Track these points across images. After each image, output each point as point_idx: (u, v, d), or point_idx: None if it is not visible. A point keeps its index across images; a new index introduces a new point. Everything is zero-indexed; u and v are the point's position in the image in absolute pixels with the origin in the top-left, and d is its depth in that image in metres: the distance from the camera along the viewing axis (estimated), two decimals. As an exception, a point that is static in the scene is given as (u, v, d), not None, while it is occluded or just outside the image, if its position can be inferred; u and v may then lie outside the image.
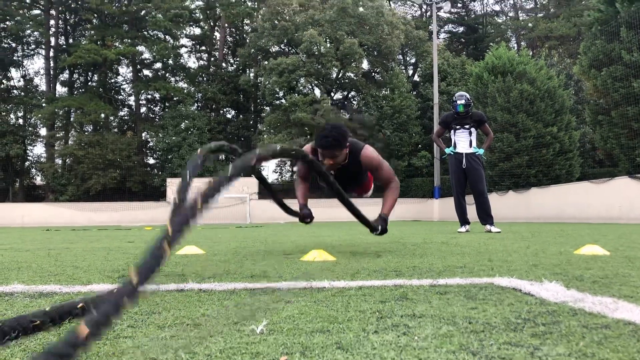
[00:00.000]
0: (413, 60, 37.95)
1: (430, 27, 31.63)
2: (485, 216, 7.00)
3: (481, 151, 7.17)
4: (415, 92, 31.58)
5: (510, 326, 1.19)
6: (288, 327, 1.23)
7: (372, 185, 4.25)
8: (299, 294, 1.75)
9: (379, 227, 3.33)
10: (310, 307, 1.47)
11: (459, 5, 40.50)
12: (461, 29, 40.99)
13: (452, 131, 7.26)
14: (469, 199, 7.31)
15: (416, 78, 36.17)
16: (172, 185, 23.71)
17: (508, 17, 40.07)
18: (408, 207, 23.48)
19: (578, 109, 22.25)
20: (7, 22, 31.38)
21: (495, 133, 9.12)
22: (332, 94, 33.49)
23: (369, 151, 3.50)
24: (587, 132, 21.03)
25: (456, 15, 40.49)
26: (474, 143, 7.20)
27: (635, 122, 13.94)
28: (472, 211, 7.29)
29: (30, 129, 32.00)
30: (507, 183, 18.26)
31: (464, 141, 7.18)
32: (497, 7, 41.37)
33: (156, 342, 1.12)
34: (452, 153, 7.23)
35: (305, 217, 3.56)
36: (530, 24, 36.71)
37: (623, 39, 14.05)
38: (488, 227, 6.93)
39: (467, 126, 7.15)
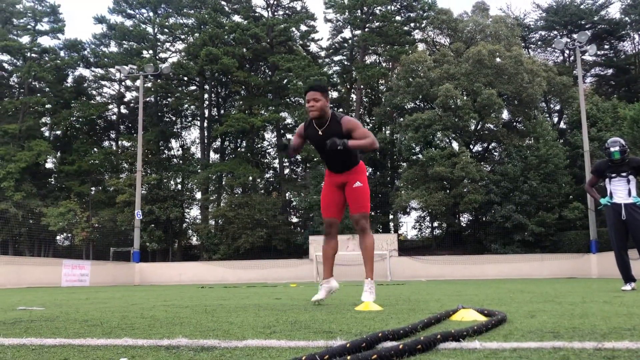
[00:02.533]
0: (558, 107, 36.07)
1: (574, 71, 30.02)
2: (654, 273, 6.29)
3: (643, 200, 6.52)
4: (562, 140, 29.84)
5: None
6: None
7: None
8: (449, 354, 1.70)
9: (336, 142, 4.04)
10: (463, 368, 1.43)
11: (606, 47, 38.06)
12: (610, 71, 38.34)
13: (607, 180, 6.72)
14: (632, 254, 6.62)
15: (562, 125, 34.26)
16: (315, 243, 24.38)
17: (664, 54, 36.81)
18: (561, 263, 21.75)
19: None
20: (169, 99, 35.34)
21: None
22: (472, 146, 32.74)
23: (349, 117, 4.37)
24: None
25: (603, 58, 38.02)
26: (634, 192, 6.58)
27: None
28: (636, 267, 6.59)
29: (187, 193, 35.14)
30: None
31: (621, 190, 6.60)
32: (650, 45, 38.22)
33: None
34: (608, 204, 6.66)
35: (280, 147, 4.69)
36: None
37: None
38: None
39: (624, 174, 6.59)
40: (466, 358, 1.61)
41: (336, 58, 38.77)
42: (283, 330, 2.56)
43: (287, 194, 34.60)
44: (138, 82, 29.25)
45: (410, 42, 34.75)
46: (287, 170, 37.14)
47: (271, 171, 37.57)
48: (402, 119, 30.79)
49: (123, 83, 36.91)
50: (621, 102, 29.01)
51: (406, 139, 29.70)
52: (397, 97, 30.56)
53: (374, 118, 35.62)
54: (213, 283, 18.68)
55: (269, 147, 38.18)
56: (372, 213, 35.58)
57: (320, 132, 4.34)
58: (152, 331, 2.64)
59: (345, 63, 37.78)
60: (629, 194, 6.55)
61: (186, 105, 36.53)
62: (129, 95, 37.81)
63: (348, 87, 37.67)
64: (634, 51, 38.06)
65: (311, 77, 30.75)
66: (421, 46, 35.71)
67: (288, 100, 34.71)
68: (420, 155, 29.94)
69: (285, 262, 24.37)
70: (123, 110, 37.85)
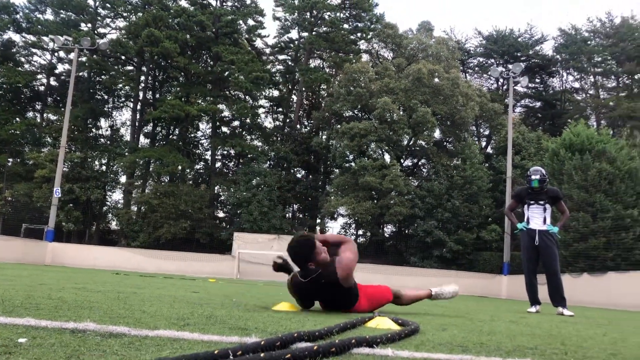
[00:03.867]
0: (487, 132, 37.62)
1: (506, 100, 31.44)
2: (558, 298, 6.66)
3: (556, 229, 6.88)
4: (487, 164, 31.12)
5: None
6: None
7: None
8: (362, 359, 1.72)
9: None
10: (374, 374, 1.44)
11: (537, 80, 40.14)
12: (538, 103, 40.44)
13: (526, 206, 7.05)
14: (541, 279, 6.98)
15: (489, 150, 35.73)
16: (239, 240, 24.13)
17: (588, 95, 39.22)
18: (475, 282, 22.65)
19: (662, 193, 21.08)
20: (103, 76, 33.98)
21: (570, 212, 8.79)
22: (402, 160, 33.54)
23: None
24: (672, 217, 19.84)
25: (533, 90, 40.08)
26: (548, 220, 6.94)
27: None
28: (543, 291, 6.95)
29: (111, 175, 33.85)
30: (581, 265, 17.36)
31: (537, 217, 6.94)
32: (576, 84, 40.65)
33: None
34: (524, 229, 6.99)
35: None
36: (611, 103, 35.72)
37: None
38: (560, 309, 6.57)
39: (541, 202, 6.93)
40: (378, 364, 1.62)
41: (281, 57, 38.72)
42: (197, 324, 2.51)
43: (216, 188, 34.10)
44: (72, 55, 27.90)
45: (355, 52, 35.22)
46: (218, 164, 36.60)
47: (202, 163, 36.89)
48: (339, 126, 31.12)
49: (56, 54, 35.15)
50: (545, 135, 30.64)
51: (341, 146, 30.04)
52: (336, 104, 30.87)
53: (312, 121, 35.79)
54: (129, 270, 18.07)
55: (203, 137, 37.51)
56: (300, 215, 35.72)
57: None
58: (58, 313, 2.51)
59: (290, 63, 37.77)
60: (544, 221, 6.90)
61: (120, 85, 35.24)
62: (60, 67, 36.00)
63: (290, 87, 37.67)
64: (561, 88, 40.35)
65: (253, 73, 30.50)
66: (365, 57, 36.30)
67: (227, 92, 34.23)
68: (353, 164, 30.36)
69: (206, 256, 23.98)
70: (52, 82, 36.00)
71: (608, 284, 14.58)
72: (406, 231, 32.04)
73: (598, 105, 36.76)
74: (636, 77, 36.23)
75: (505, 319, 4.75)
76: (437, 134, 33.72)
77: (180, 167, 32.39)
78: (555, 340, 2.87)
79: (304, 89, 36.16)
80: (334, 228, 36.09)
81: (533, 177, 6.90)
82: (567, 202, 16.38)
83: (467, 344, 2.38)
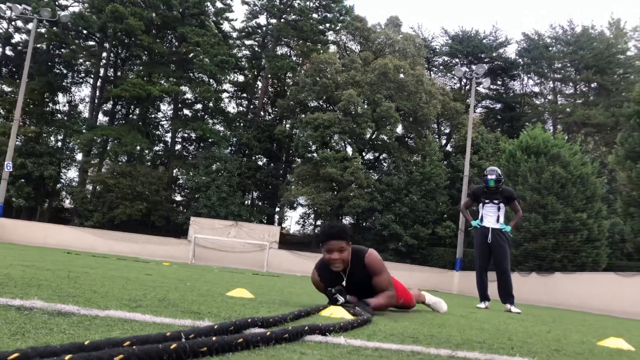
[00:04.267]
0: (447, 131, 38.24)
1: (468, 100, 31.97)
2: (507, 295, 6.85)
3: (508, 228, 7.07)
4: (446, 162, 31.65)
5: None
6: (303, 377, 1.21)
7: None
8: (315, 347, 1.73)
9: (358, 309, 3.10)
10: (326, 361, 1.46)
11: (499, 82, 40.97)
12: (498, 105, 41.30)
13: (481, 205, 7.20)
14: (491, 276, 7.17)
15: (449, 148, 36.34)
16: (195, 225, 23.87)
17: (546, 100, 40.29)
18: (428, 276, 23.07)
19: (610, 199, 21.92)
20: (63, 50, 32.86)
21: (523, 212, 9.02)
22: (364, 153, 33.78)
23: (374, 254, 3.62)
24: (617, 222, 20.62)
25: (494, 92, 40.90)
26: (502, 219, 7.12)
27: (669, 218, 13.65)
28: (492, 288, 7.13)
29: (67, 152, 32.86)
30: (530, 264, 17.89)
31: (491, 216, 7.11)
32: (536, 89, 41.70)
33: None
34: (478, 226, 7.14)
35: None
36: (568, 109, 36.80)
37: (662, 134, 13.97)
38: (508, 306, 6.76)
39: (496, 201, 7.10)
40: (330, 352, 1.64)
41: (247, 42, 38.26)
42: (149, 306, 2.48)
43: (174, 171, 33.57)
44: (30, 26, 26.89)
45: (323, 42, 35.14)
46: (178, 147, 36.01)
47: (161, 144, 36.20)
48: (303, 116, 31.07)
49: (13, 23, 33.77)
50: (503, 136, 31.36)
51: (304, 136, 30.02)
52: (302, 93, 30.80)
53: (276, 109, 35.61)
54: (81, 250, 17.65)
55: (163, 119, 36.81)
56: (259, 203, 35.59)
57: (344, 283, 3.55)
58: (4, 290, 2.44)
59: (256, 49, 37.39)
60: (498, 220, 7.07)
61: (81, 60, 34.18)
62: (17, 37, 34.58)
63: (255, 73, 37.31)
64: (521, 91, 41.31)
65: (219, 56, 30.06)
66: (332, 48, 36.28)
67: (191, 74, 33.63)
68: (315, 154, 30.39)
69: (161, 239, 23.65)
70: (8, 52, 34.58)
71: (554, 284, 15.10)
72: (364, 224, 32.35)
73: (555, 110, 37.81)
74: (592, 85, 37.40)
75: (455, 313, 4.86)
76: (399, 129, 34.08)
77: (138, 148, 31.69)
78: (503, 335, 2.96)
79: (269, 76, 35.89)
80: (292, 217, 36.13)
81: (489, 176, 7.05)
82: (521, 202, 16.86)
83: (417, 335, 2.42)
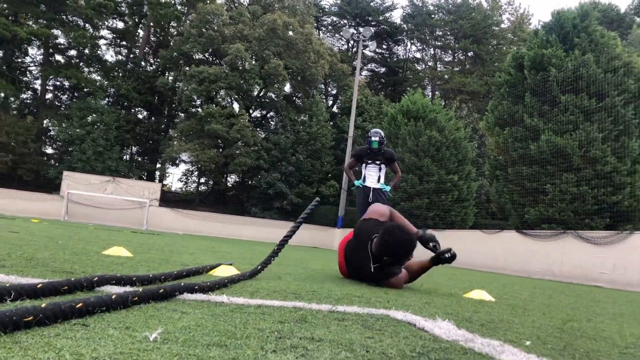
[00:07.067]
0: (334, 92, 38.79)
1: (354, 62, 32.56)
2: (384, 251, 7.19)
3: (388, 188, 7.38)
4: (332, 123, 32.19)
5: (406, 358, 1.21)
6: (184, 337, 1.18)
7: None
8: (196, 305, 1.69)
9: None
10: (208, 321, 1.43)
11: (384, 47, 42.06)
12: (383, 69, 42.52)
13: (364, 165, 7.44)
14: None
15: (335, 109, 36.93)
16: (68, 179, 22.42)
17: (427, 66, 42.12)
18: (311, 233, 23.66)
19: (479, 162, 23.64)
20: None
21: (401, 173, 9.48)
22: (251, 111, 33.39)
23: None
24: (484, 184, 22.37)
25: (380, 56, 42.00)
26: (382, 179, 7.41)
27: (528, 181, 15.00)
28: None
29: None
30: (406, 222, 18.92)
31: (373, 176, 7.37)
32: (418, 55, 43.40)
33: (39, 339, 1.03)
34: (360, 186, 7.39)
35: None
36: (446, 76, 38.78)
37: (526, 104, 15.18)
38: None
39: (378, 162, 7.36)
40: (212, 310, 1.61)
41: (129, -14, 35.74)
42: (15, 265, 2.28)
43: (45, 121, 31.04)
44: None
45: (210, -8, 33.77)
46: (49, 95, 33.22)
47: (30, 92, 33.19)
48: (188, 68, 29.89)
49: None
50: (386, 100, 32.43)
51: (189, 89, 28.97)
52: (186, 45, 29.54)
53: (158, 60, 33.87)
54: None
55: (32, 64, 33.66)
56: (139, 159, 34.13)
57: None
58: None
59: (138, -6, 35.08)
60: (379, 180, 7.36)
61: None
62: None
63: (136, 20, 35.10)
64: (404, 56, 42.79)
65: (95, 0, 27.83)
66: (220, -1, 35.00)
67: (64, 17, 30.88)
68: (199, 109, 29.53)
69: (30, 194, 21.95)
70: None
71: (427, 241, 16.07)
72: (249, 182, 32.25)
73: (434, 76, 39.72)
74: (469, 54, 39.62)
75: (335, 268, 5.02)
76: (287, 87, 34.00)
77: (2, 95, 28.82)
78: (380, 290, 3.10)
79: (151, 24, 33.97)
80: (174, 174, 35.11)
81: (373, 138, 7.27)
82: (400, 164, 17.66)
83: (300, 291, 2.47)
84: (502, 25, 39.11)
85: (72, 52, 32.78)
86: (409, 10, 40.75)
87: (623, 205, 13.47)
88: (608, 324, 2.56)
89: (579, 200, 13.71)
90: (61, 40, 32.05)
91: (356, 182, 7.44)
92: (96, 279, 1.79)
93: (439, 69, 41.26)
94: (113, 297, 1.43)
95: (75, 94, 32.02)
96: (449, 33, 39.80)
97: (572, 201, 13.83)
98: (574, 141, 13.82)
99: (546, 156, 14.32)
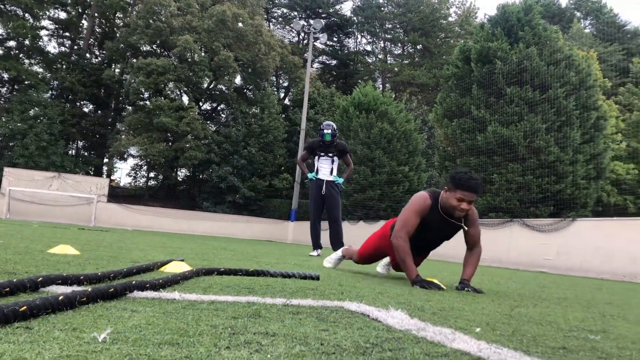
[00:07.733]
0: (286, 84, 38.66)
1: (305, 55, 32.49)
2: (338, 242, 7.25)
3: (341, 180, 7.44)
4: (284, 115, 32.09)
5: (360, 350, 1.22)
6: (134, 337, 1.15)
7: None
8: (147, 303, 1.66)
9: (467, 288, 3.30)
10: (159, 318, 1.40)
11: (335, 39, 42.17)
12: (334, 62, 42.65)
13: (316, 157, 7.46)
14: (324, 225, 7.52)
15: (287, 102, 36.82)
16: (10, 176, 21.54)
17: (377, 59, 42.49)
18: (264, 227, 23.57)
19: (428, 153, 24.10)
20: None
21: (354, 165, 9.55)
22: (201, 104, 32.89)
23: (474, 208, 3.64)
24: (434, 175, 22.81)
25: (331, 48, 42.08)
26: (335, 172, 7.46)
27: (475, 171, 15.38)
28: (325, 237, 7.50)
29: None
30: (359, 213, 19.11)
31: (326, 168, 7.41)
32: (368, 48, 43.71)
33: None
34: (314, 178, 7.41)
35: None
36: (396, 69, 39.23)
37: (474, 96, 15.53)
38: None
39: (330, 154, 7.40)
40: (164, 308, 1.58)
41: (71, -25, 34.44)
42: (-49, 269, 2.18)
43: (-17, 115, 29.67)
44: None
45: (157, -18, 32.93)
46: (-13, 88, 31.76)
47: (-34, 84, 31.64)
48: (135, 60, 29.14)
49: None
50: (338, 92, 32.56)
51: (136, 82, 28.25)
52: (133, 36, 28.77)
53: (104, 52, 32.87)
54: None
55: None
56: (85, 154, 33.13)
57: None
58: None
59: (81, -16, 33.86)
60: (331, 172, 7.40)
61: None
62: None
63: (80, 11, 33.90)
64: (355, 49, 43.04)
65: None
66: (168, -10, 34.18)
67: (2, 6, 29.53)
68: (148, 102, 28.85)
69: (-32, 192, 20.99)
70: None
71: (379, 231, 16.27)
72: (200, 176, 31.80)
73: (385, 69, 40.11)
74: (418, 47, 40.21)
75: (290, 262, 5.02)
76: (238, 80, 33.65)
77: None
78: (334, 281, 3.12)
79: (96, 14, 32.90)
80: (123, 169, 34.26)
81: (325, 131, 7.31)
82: (352, 156, 17.79)
83: (254, 286, 2.45)
84: (450, 19, 39.83)
85: (11, 43, 31.39)
86: (359, 3, 40.97)
87: (566, 194, 13.99)
88: (553, 308, 2.66)
89: (524, 189, 14.15)
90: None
91: (309, 175, 7.46)
92: (41, 279, 1.72)
93: (389, 61, 41.70)
94: (60, 298, 1.38)
95: (16, 87, 30.73)
96: (398, 26, 40.25)
97: (518, 190, 14.27)
98: (519, 132, 14.24)
99: (493, 147, 14.71)
